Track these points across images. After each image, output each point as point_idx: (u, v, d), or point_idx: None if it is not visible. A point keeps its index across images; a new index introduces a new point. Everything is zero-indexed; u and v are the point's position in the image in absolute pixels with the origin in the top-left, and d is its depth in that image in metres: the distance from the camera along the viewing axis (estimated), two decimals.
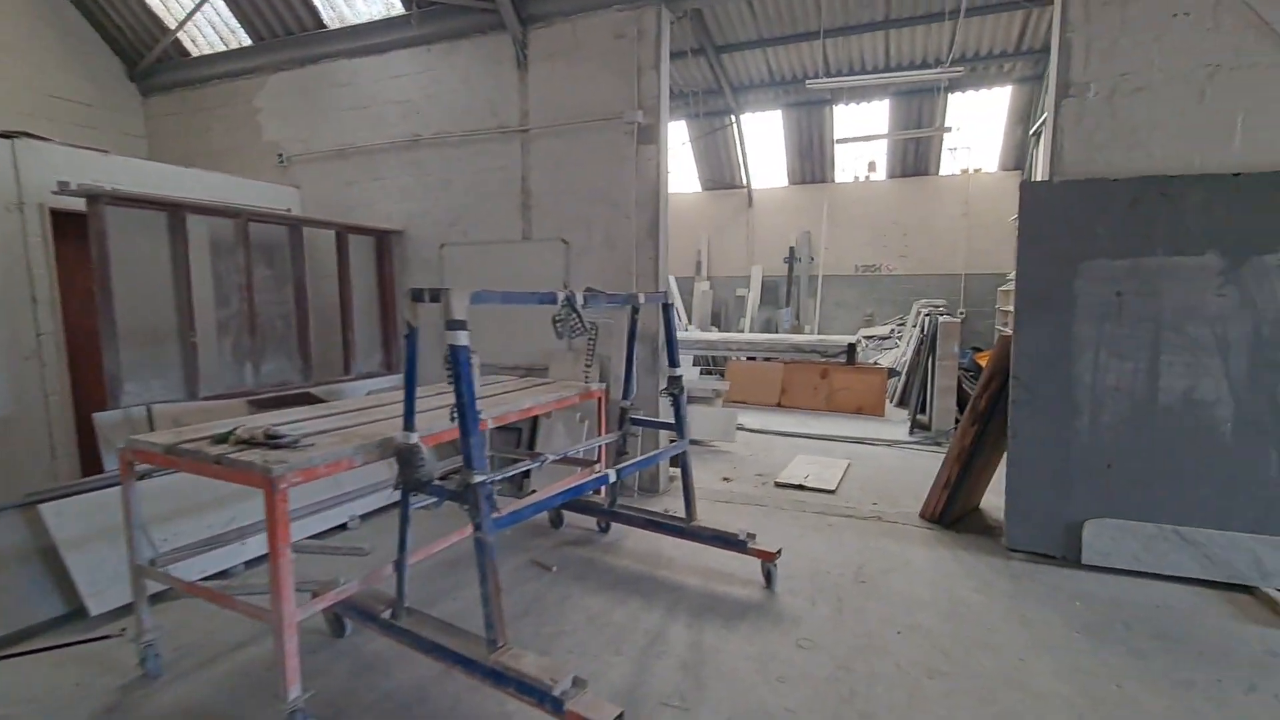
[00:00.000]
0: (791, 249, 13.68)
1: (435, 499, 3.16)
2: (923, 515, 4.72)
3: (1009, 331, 4.40)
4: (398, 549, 2.85)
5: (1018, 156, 11.95)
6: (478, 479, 2.42)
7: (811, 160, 13.16)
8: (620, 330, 5.11)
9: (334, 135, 5.92)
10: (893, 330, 12.62)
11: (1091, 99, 3.96)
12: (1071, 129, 4.00)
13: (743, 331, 13.43)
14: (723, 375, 10.14)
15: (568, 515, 4.66)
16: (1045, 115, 10.29)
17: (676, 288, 13.68)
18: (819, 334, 13.43)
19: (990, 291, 12.30)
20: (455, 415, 2.43)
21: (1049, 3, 7.47)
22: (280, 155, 6.08)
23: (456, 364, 2.39)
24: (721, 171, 14.00)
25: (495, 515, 2.52)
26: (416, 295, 2.49)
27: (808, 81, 8.42)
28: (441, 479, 2.68)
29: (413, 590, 3.12)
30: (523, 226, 5.45)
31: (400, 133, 5.68)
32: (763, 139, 13.21)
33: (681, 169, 14.26)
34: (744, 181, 13.83)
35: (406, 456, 2.60)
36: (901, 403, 9.40)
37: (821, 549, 4.16)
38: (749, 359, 10.25)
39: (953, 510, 4.56)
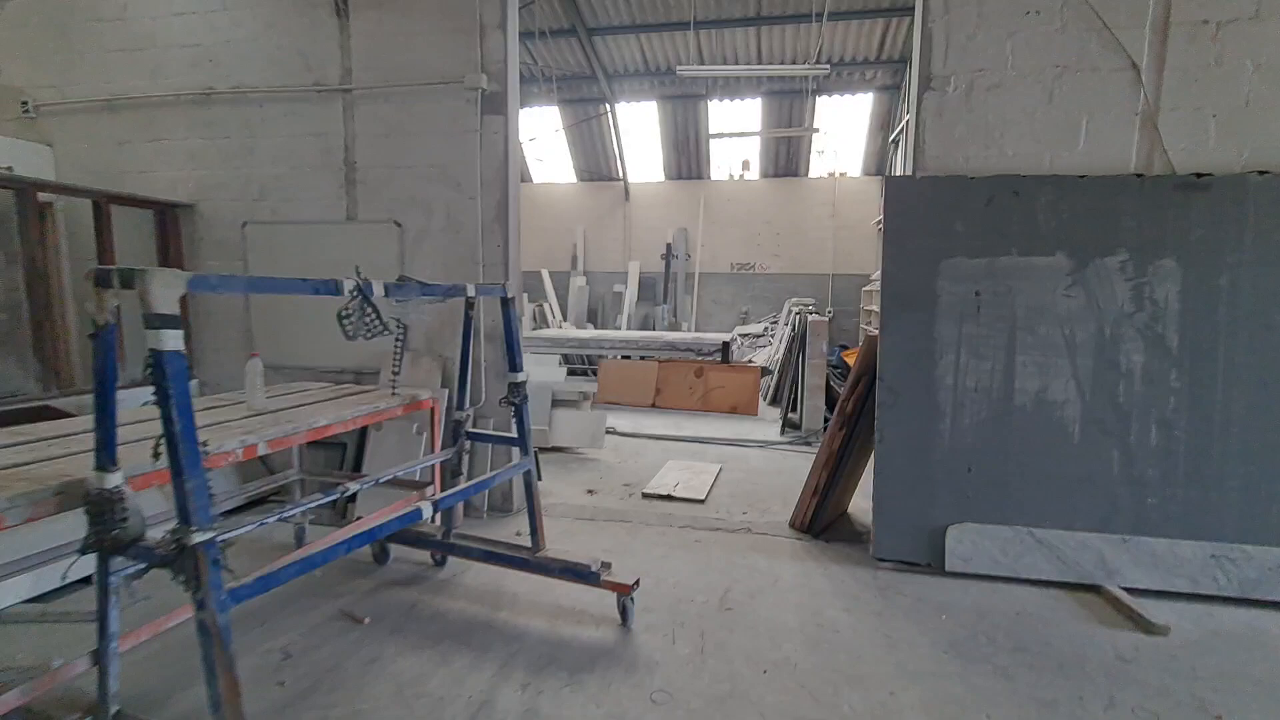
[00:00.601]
0: (669, 245, 13.50)
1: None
2: (792, 525, 4.49)
3: (875, 331, 4.25)
4: (98, 633, 2.06)
5: (879, 162, 12.49)
6: (198, 538, 1.73)
7: (688, 155, 13.03)
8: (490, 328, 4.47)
9: (99, 82, 4.75)
10: (766, 328, 12.78)
11: (952, 94, 3.85)
12: (933, 123, 3.87)
13: (620, 329, 13.08)
14: (595, 375, 9.67)
15: (397, 547, 3.95)
16: (905, 120, 10.76)
17: (550, 282, 13.07)
18: (696, 332, 13.36)
19: (856, 291, 12.78)
20: (159, 449, 1.72)
21: (908, 12, 7.62)
22: (25, 104, 4.79)
23: (161, 377, 1.68)
24: (597, 162, 13.53)
25: (233, 585, 1.83)
26: (102, 279, 1.74)
27: (678, 68, 8.13)
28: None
29: (142, 678, 2.33)
30: (347, 205, 4.63)
31: (187, 84, 4.64)
32: (639, 131, 12.89)
33: (556, 158, 13.63)
34: (620, 174, 13.46)
35: (99, 507, 1.84)
36: (775, 401, 9.40)
37: (686, 571, 3.77)
38: (624, 357, 9.87)
39: (822, 518, 4.36)
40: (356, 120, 4.56)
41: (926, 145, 3.88)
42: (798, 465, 6.04)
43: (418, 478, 3.83)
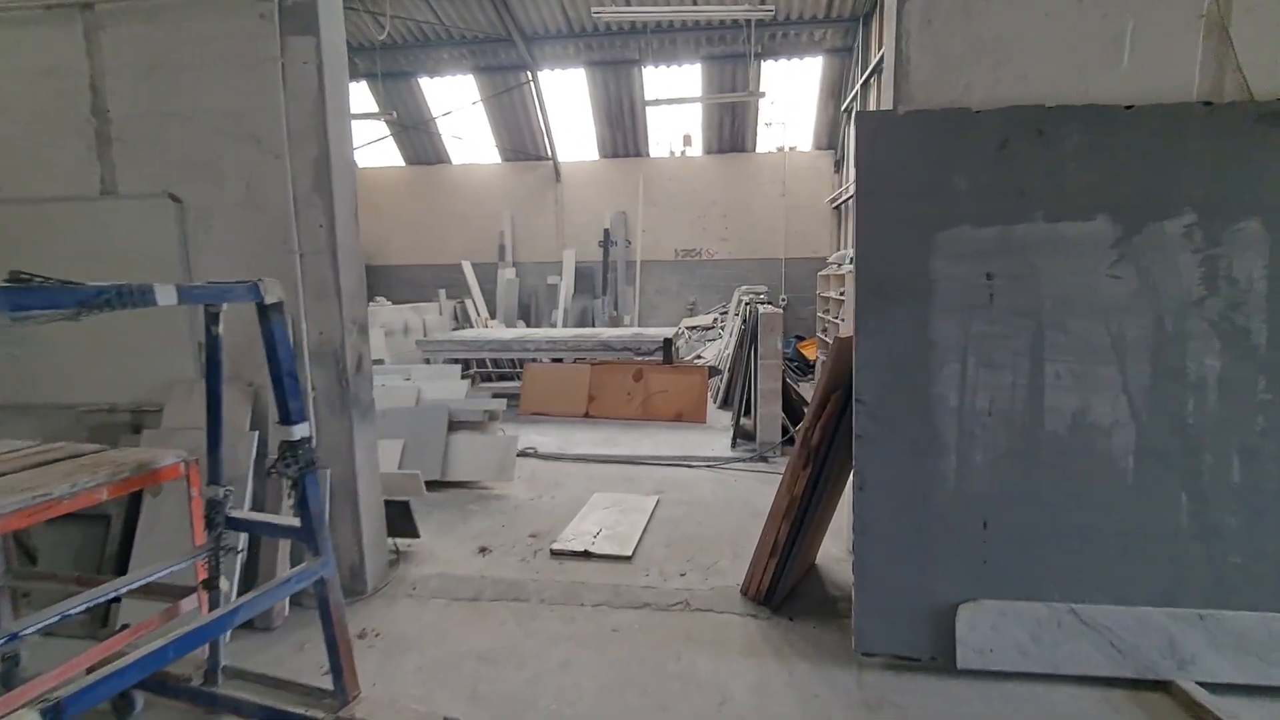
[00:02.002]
0: (606, 231, 12.25)
1: None
2: (746, 593, 3.36)
3: (845, 328, 3.14)
4: None
5: (831, 134, 11.50)
6: None
7: (623, 130, 11.78)
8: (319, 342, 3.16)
9: None
10: (716, 319, 11.70)
11: None
12: (920, 36, 2.74)
13: (556, 325, 11.79)
14: (508, 384, 8.38)
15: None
16: (858, 86, 9.78)
17: (474, 276, 11.68)
18: (640, 325, 12.19)
19: (811, 276, 11.80)
20: None
21: None
22: None
23: None
24: (522, 139, 12.15)
25: None
26: None
27: (595, 9, 6.86)
28: None
29: None
30: (102, 173, 3.24)
31: None
32: (567, 103, 11.56)
33: (476, 135, 12.18)
34: (549, 152, 12.11)
35: None
36: (726, 403, 8.31)
37: (593, 693, 2.59)
38: (555, 360, 8.62)
39: (783, 584, 3.24)
40: (105, 49, 3.16)
41: (912, 67, 2.75)
42: (752, 492, 4.93)
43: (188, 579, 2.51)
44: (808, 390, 8.93)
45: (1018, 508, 2.66)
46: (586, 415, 7.78)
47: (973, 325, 2.68)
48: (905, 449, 2.72)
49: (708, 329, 11.61)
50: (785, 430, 5.99)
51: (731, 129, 11.51)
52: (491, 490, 5.11)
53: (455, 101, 11.61)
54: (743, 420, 6.60)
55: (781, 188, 11.77)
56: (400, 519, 3.93)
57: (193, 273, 3.29)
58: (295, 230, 3.16)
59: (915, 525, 2.72)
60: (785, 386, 6.07)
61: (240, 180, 3.18)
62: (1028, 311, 2.65)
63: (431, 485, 5.07)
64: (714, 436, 6.78)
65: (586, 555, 3.86)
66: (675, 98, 9.66)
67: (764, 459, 5.77)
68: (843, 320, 7.73)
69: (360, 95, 11.80)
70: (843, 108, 10.59)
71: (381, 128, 12.29)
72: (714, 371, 8.22)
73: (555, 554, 3.89)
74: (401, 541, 4.03)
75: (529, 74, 10.75)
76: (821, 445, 3.02)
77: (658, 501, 4.76)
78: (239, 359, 3.27)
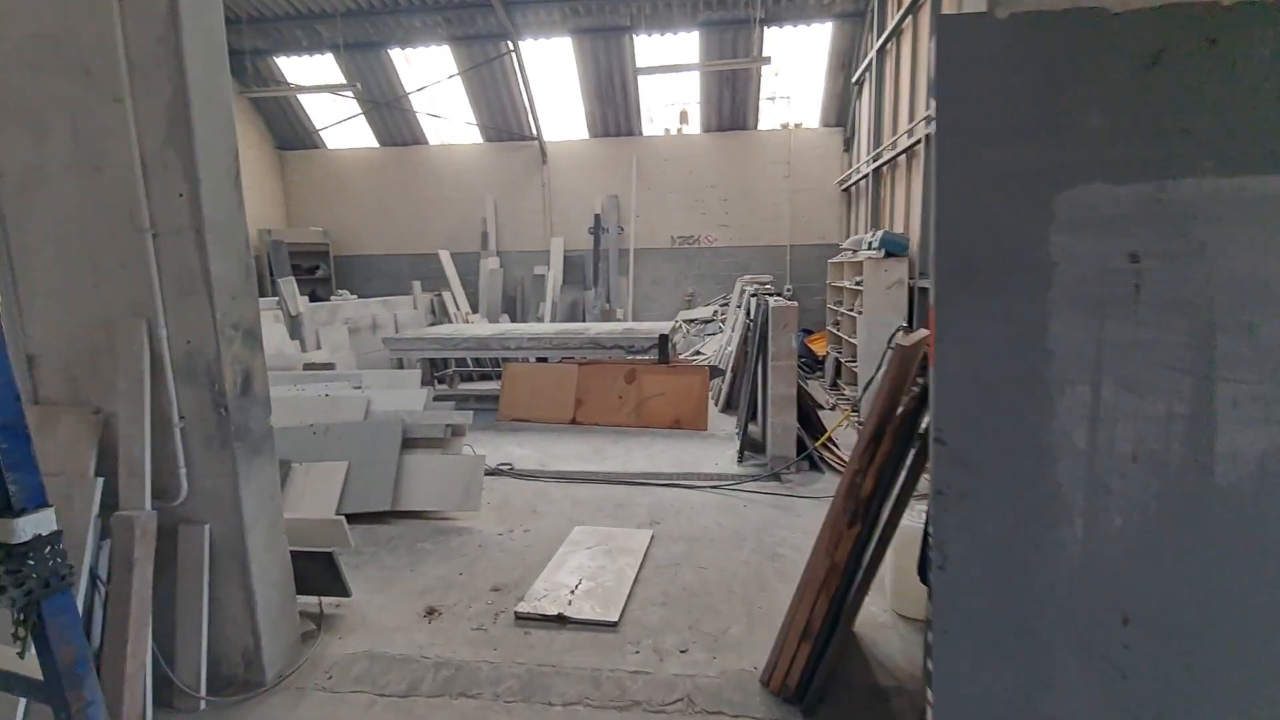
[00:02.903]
0: (597, 217, 11.35)
1: None
2: (767, 684, 2.53)
3: (906, 334, 2.32)
4: None
5: (840, 109, 10.59)
6: None
7: (614, 105, 10.84)
8: (185, 354, 2.31)
9: None
10: (716, 311, 10.84)
11: None
12: None
13: (543, 320, 10.91)
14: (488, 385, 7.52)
15: None
16: (869, 56, 8.88)
17: (453, 267, 10.79)
18: (634, 319, 11.32)
19: (818, 264, 10.93)
20: None
21: None
22: None
23: None
24: (505, 117, 11.21)
25: None
26: None
27: None
28: None
29: None
30: None
31: None
32: (553, 76, 10.62)
33: (456, 112, 11.23)
34: (534, 131, 11.17)
35: None
36: (729, 405, 7.47)
37: None
38: (539, 359, 7.76)
39: (819, 676, 2.40)
40: None
41: None
42: (767, 522, 4.09)
43: None
44: (818, 391, 8.10)
45: (1175, 598, 1.82)
46: (573, 422, 6.94)
47: (1109, 329, 1.82)
48: (1007, 510, 1.88)
49: (707, 322, 10.74)
50: (801, 444, 5.15)
51: (732, 104, 10.60)
52: (454, 522, 4.26)
53: (431, 75, 10.66)
54: (750, 429, 5.76)
55: (786, 168, 10.87)
56: (323, 576, 3.08)
57: (13, 262, 2.41)
58: (145, 200, 2.28)
59: (1020, 621, 1.88)
60: (800, 393, 5.22)
61: (67, 132, 2.29)
62: (1193, 306, 1.79)
63: (381, 517, 4.22)
64: (717, 447, 5.93)
65: (561, 620, 3.02)
66: (670, 65, 8.70)
67: (777, 477, 4.93)
68: (860, 312, 6.88)
69: (327, 69, 10.85)
70: (854, 79, 9.69)
71: (352, 105, 11.34)
72: (716, 372, 7.37)
73: (521, 618, 3.05)
74: (329, 601, 3.18)
75: (510, 44, 9.81)
76: (875, 496, 2.18)
77: (652, 537, 3.91)
78: (79, 374, 2.41)
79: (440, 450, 4.56)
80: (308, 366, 5.45)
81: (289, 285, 6.77)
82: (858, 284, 7.25)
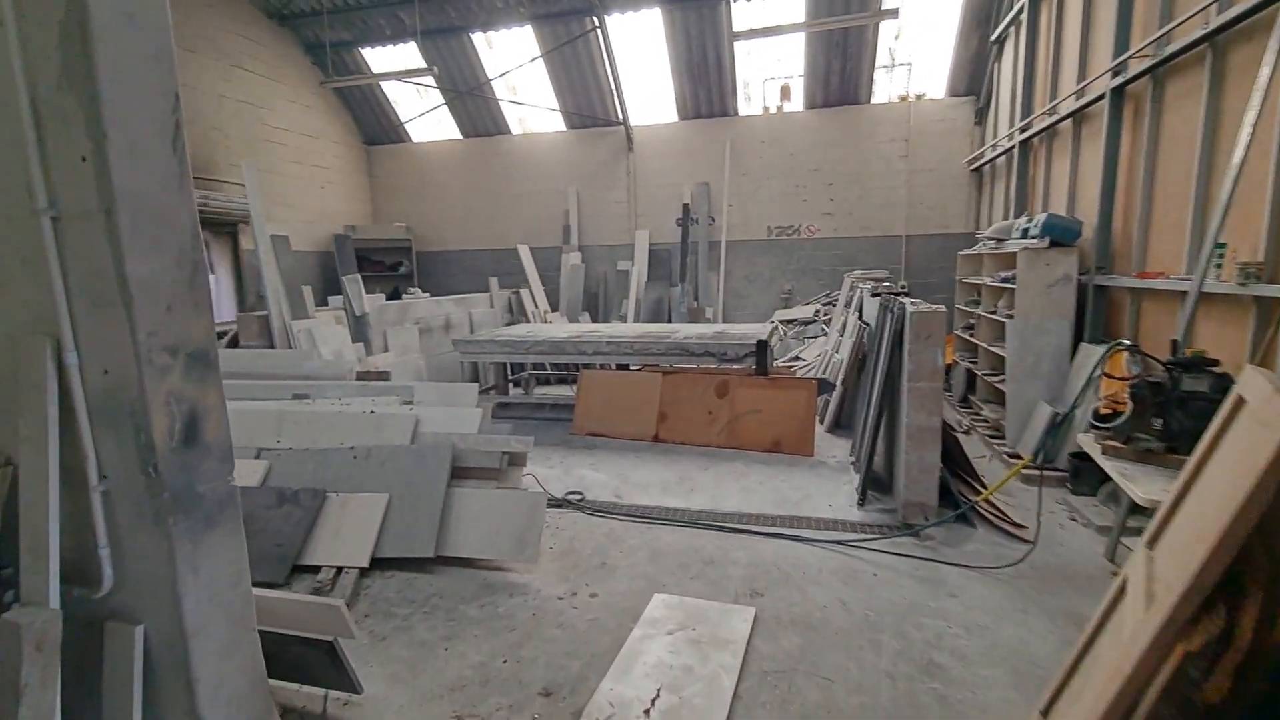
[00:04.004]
0: (686, 207, 10.41)
1: None
2: None
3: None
4: None
5: (972, 75, 9.08)
6: None
7: (706, 83, 9.84)
8: (109, 387, 1.63)
9: None
10: (818, 312, 9.64)
11: None
12: None
13: (625, 319, 10.11)
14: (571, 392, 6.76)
15: None
16: (1019, 5, 7.40)
17: (532, 262, 10.19)
18: (724, 319, 10.32)
19: (938, 257, 9.50)
20: None
21: None
22: None
23: None
24: (589, 101, 10.47)
25: None
26: None
27: None
28: None
29: None
30: None
31: None
32: (639, 54, 9.75)
33: (539, 97, 10.61)
34: (620, 115, 10.36)
35: None
36: (838, 425, 6.35)
37: None
38: (620, 366, 6.94)
39: None
40: None
41: None
42: (909, 604, 3.04)
43: None
44: (945, 408, 6.80)
45: None
46: (655, 439, 6.06)
47: None
48: None
49: (807, 323, 9.56)
50: (944, 487, 4.01)
51: (841, 76, 9.33)
52: (506, 574, 3.49)
53: (512, 59, 10.08)
54: (870, 468, 4.66)
55: (904, 147, 9.48)
56: (325, 666, 2.36)
57: None
58: (40, 167, 1.58)
59: None
60: (946, 429, 4.07)
61: None
62: None
63: (422, 564, 3.51)
64: (828, 480, 4.87)
65: None
66: (770, 26, 7.55)
67: (912, 530, 3.83)
68: (1009, 316, 5.56)
69: (411, 58, 10.51)
70: (993, 37, 8.19)
71: (436, 97, 10.98)
72: (824, 386, 6.26)
73: None
74: (335, 695, 2.46)
75: (594, 19, 9.04)
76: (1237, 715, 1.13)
77: (755, 617, 2.96)
78: None
79: (495, 482, 3.80)
80: (361, 375, 4.87)
81: (354, 283, 6.30)
82: (1004, 280, 5.92)
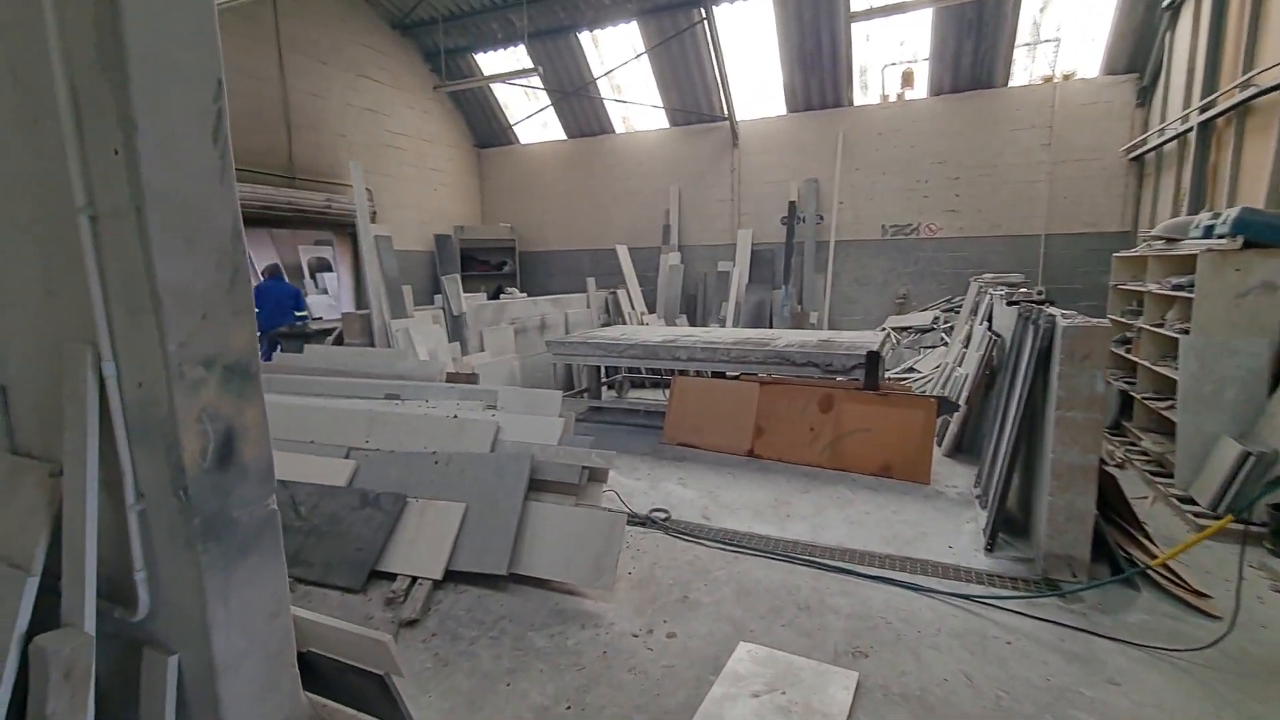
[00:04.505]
0: (792, 204, 9.84)
1: None
2: None
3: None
4: None
5: (1134, 50, 7.87)
6: None
7: (819, 71, 9.22)
8: (137, 400, 1.55)
9: None
10: (937, 319, 8.76)
11: None
12: None
13: (724, 323, 9.70)
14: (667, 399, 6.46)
15: None
16: None
17: (630, 262, 10.01)
18: (829, 325, 9.65)
19: (1084, 259, 8.35)
20: None
21: None
22: None
23: None
24: (694, 96, 10.13)
25: None
26: None
27: None
28: None
29: None
30: None
31: None
32: (747, 46, 9.30)
33: (641, 92, 10.42)
34: (725, 110, 9.95)
35: None
36: (958, 449, 5.64)
37: None
38: (716, 374, 6.56)
39: None
40: None
41: None
42: (1055, 689, 2.46)
43: None
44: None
45: None
46: (750, 454, 5.64)
47: None
48: None
49: (924, 331, 8.72)
50: (1098, 537, 3.33)
51: (974, 57, 8.39)
52: (580, 601, 3.24)
53: (618, 57, 9.95)
54: (1000, 506, 4.00)
55: (1046, 135, 8.39)
56: (377, 698, 2.20)
57: None
58: (77, 161, 1.47)
59: None
60: (1102, 468, 3.38)
61: (6, 68, 1.56)
62: None
63: (494, 581, 3.33)
64: (948, 515, 4.26)
65: None
66: (893, 4, 6.86)
67: (1058, 591, 3.19)
68: (1185, 330, 4.64)
69: (520, 61, 10.65)
70: (1164, 4, 7.02)
71: (544, 98, 11.09)
72: (946, 405, 5.56)
73: None
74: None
75: (701, 10, 8.70)
76: None
77: (858, 686, 2.51)
78: (49, 415, 1.71)
79: (573, 498, 3.57)
80: (450, 377, 4.83)
81: (452, 283, 6.36)
82: (1177, 288, 4.98)
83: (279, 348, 6.66)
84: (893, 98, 9.23)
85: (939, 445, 5.71)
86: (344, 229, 9.98)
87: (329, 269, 10.48)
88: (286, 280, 7.86)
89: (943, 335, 8.39)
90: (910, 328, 8.91)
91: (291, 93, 9.09)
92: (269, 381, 5.14)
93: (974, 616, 3.03)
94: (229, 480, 1.61)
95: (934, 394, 6.00)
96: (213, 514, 1.57)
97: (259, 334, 6.23)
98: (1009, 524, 3.95)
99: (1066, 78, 8.30)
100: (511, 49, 10.65)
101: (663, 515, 4.27)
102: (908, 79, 9.00)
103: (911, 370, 7.96)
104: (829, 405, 5.46)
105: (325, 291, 10.47)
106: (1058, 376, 3.27)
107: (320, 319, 8.48)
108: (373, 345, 5.68)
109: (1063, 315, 3.42)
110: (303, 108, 9.27)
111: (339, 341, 5.93)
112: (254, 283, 8.28)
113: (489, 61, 11.19)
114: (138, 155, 1.39)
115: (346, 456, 4.08)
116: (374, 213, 10.10)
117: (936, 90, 8.95)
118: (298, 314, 7.22)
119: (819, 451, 5.38)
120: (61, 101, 1.44)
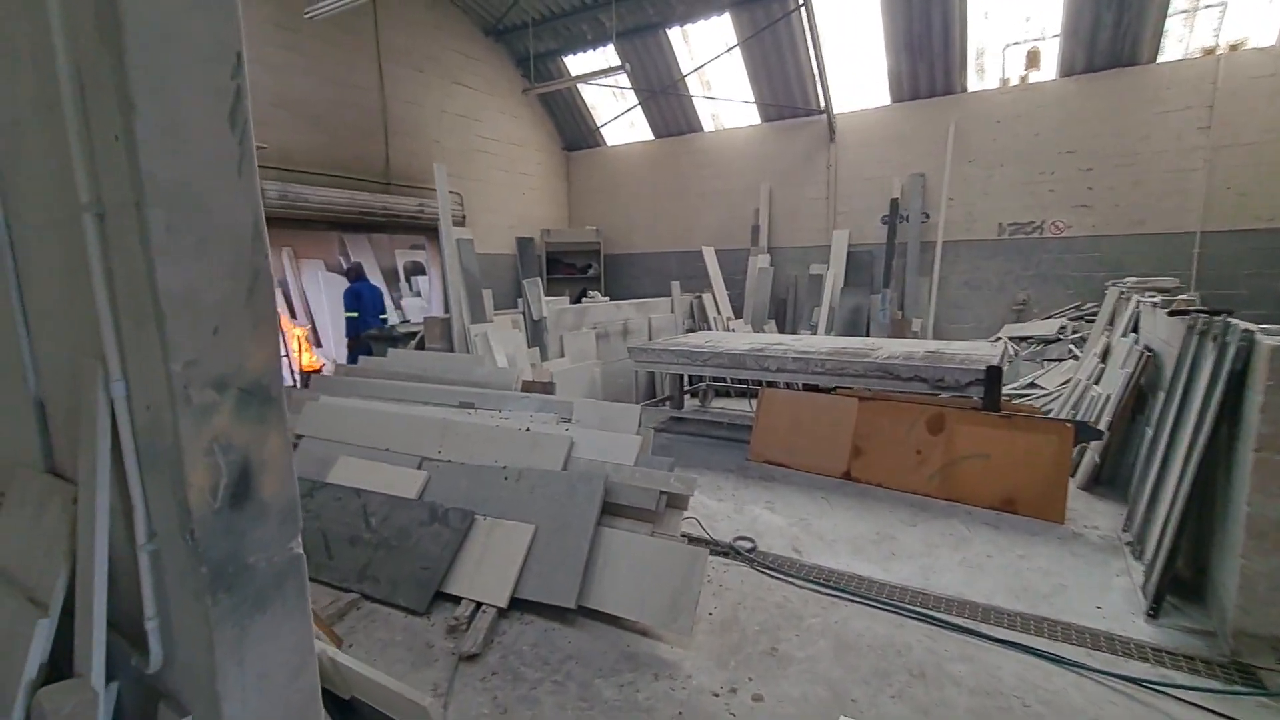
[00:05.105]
0: (894, 202, 9.09)
1: None
2: None
3: None
4: None
5: None
6: None
7: (929, 56, 8.45)
8: (146, 422, 1.36)
9: None
10: (1064, 329, 7.79)
11: None
12: None
13: (815, 330, 9.10)
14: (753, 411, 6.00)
15: None
16: None
17: (717, 265, 9.60)
18: (934, 333, 8.83)
19: (1253, 260, 7.17)
20: None
21: None
22: None
23: None
24: (788, 89, 9.59)
25: None
26: None
27: None
28: None
29: None
30: None
31: None
32: (849, 32, 8.66)
33: (732, 87, 9.99)
34: (821, 103, 9.34)
35: None
36: (1098, 480, 4.85)
37: None
38: (808, 387, 6.04)
39: None
40: None
41: None
42: None
43: None
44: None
45: None
46: (846, 476, 5.11)
47: None
48: None
49: (1049, 342, 7.77)
50: None
51: (1115, 30, 7.36)
52: (653, 645, 2.90)
53: (708, 52, 9.57)
54: (1167, 563, 3.30)
55: (1205, 116, 7.23)
56: None
57: (15, 252, 1.66)
58: (80, 150, 1.29)
59: None
60: None
61: (29, 55, 1.41)
62: None
63: (562, 614, 3.06)
64: (1090, 563, 3.58)
65: None
66: None
67: (1256, 683, 2.52)
68: None
69: (608, 59, 10.49)
70: None
71: (631, 98, 10.88)
72: (1085, 431, 4.77)
73: None
74: None
75: None
76: None
77: None
78: (57, 430, 1.55)
79: (650, 526, 3.24)
80: (526, 386, 4.64)
81: (533, 287, 6.20)
82: None
83: (370, 350, 6.76)
84: (1014, 81, 8.30)
85: (1072, 476, 4.93)
86: (435, 233, 10.16)
87: (422, 272, 10.73)
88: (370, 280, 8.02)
89: (1070, 347, 7.43)
90: (1031, 338, 7.98)
91: (389, 101, 9.34)
92: (353, 385, 5.15)
93: (1141, 707, 2.43)
94: (244, 521, 1.39)
95: (1065, 416, 5.22)
96: (223, 560, 1.35)
97: (354, 337, 6.29)
98: (1178, 586, 3.25)
99: (1234, 48, 7.13)
100: (600, 49, 10.51)
101: (748, 545, 3.86)
102: (1033, 59, 8.06)
103: (1032, 386, 7.09)
104: (939, 426, 4.84)
105: (418, 294, 10.71)
106: (1258, 409, 2.59)
107: (409, 321, 8.62)
108: (452, 350, 5.60)
109: (1263, 332, 2.72)
110: (399, 115, 9.51)
111: (420, 346, 5.91)
112: (316, 286, 8.56)
113: (577, 63, 11.11)
114: (135, 141, 1.18)
115: (419, 467, 3.95)
116: (463, 217, 10.25)
117: (1068, 70, 7.96)
118: (379, 317, 7.33)
119: (927, 478, 4.78)
120: (63, 80, 1.26)
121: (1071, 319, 8.02)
